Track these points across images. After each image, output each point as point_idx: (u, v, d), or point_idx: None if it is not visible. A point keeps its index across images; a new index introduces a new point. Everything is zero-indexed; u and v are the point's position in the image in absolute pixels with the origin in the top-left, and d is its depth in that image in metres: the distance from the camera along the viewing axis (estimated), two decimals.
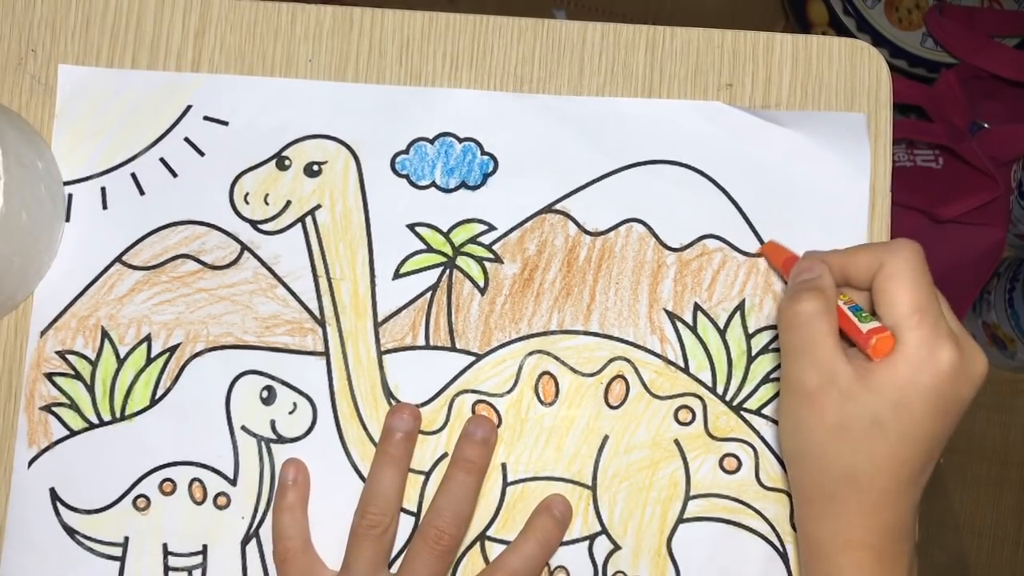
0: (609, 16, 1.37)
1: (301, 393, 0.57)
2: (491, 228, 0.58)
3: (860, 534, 0.46)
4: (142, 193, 0.59)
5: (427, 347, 0.58)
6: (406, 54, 0.60)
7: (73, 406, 0.57)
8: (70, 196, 0.59)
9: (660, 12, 1.38)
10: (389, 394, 0.57)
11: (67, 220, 0.58)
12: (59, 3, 0.60)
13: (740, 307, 0.58)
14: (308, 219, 0.58)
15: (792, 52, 0.60)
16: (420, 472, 0.57)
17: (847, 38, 0.60)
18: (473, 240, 0.58)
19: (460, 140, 0.59)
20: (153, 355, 0.58)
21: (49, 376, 0.57)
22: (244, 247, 0.58)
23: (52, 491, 0.57)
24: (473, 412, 0.57)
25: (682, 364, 0.58)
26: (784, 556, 0.57)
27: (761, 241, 0.58)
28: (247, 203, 0.59)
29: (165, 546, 0.57)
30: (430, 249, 0.58)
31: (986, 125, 1.19)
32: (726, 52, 0.60)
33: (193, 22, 0.60)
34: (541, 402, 0.57)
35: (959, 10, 1.23)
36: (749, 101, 0.60)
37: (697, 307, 0.58)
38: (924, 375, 0.43)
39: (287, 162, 0.59)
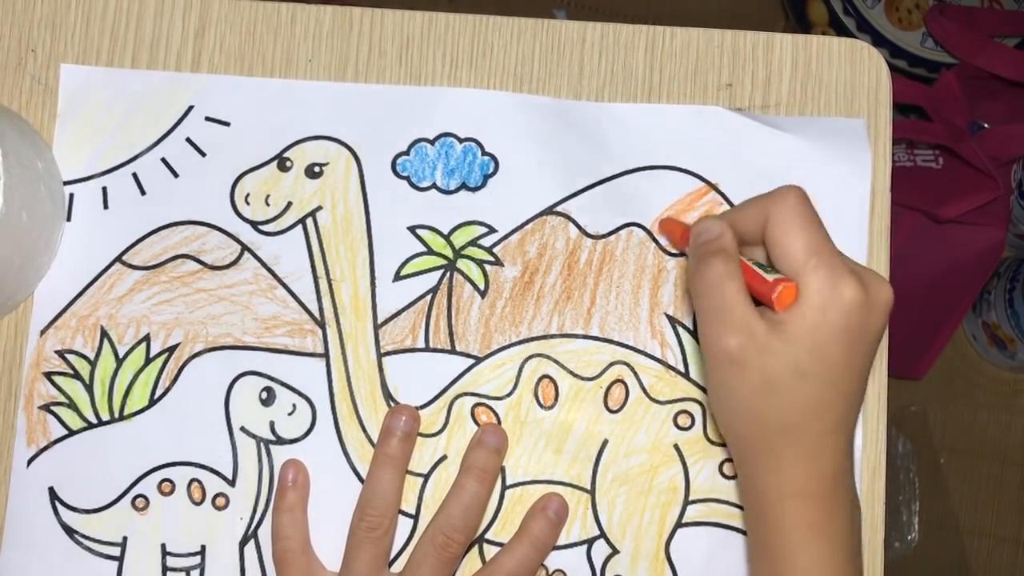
0: (609, 16, 1.37)
1: (300, 394, 0.57)
2: (492, 230, 0.58)
3: (800, 482, 0.46)
4: (143, 193, 0.59)
5: (427, 349, 0.58)
6: (406, 54, 0.60)
7: (72, 405, 0.57)
8: (71, 196, 0.58)
9: (660, 12, 1.38)
10: (389, 396, 0.57)
11: (68, 220, 0.58)
12: (59, 3, 0.60)
13: None
14: (309, 220, 0.58)
15: (792, 52, 0.60)
16: (419, 474, 0.57)
17: (847, 38, 0.60)
18: (473, 243, 0.58)
19: (461, 140, 0.59)
20: (152, 355, 0.58)
21: (48, 375, 0.57)
22: (244, 248, 0.58)
23: (51, 490, 0.57)
24: (473, 415, 0.57)
25: (682, 369, 0.58)
26: None
27: None
28: (248, 204, 0.59)
29: (163, 546, 0.57)
30: (430, 252, 0.58)
31: (986, 125, 1.19)
32: (726, 52, 0.60)
33: (193, 22, 0.60)
34: (541, 405, 0.57)
35: (959, 10, 1.22)
36: (749, 101, 0.60)
37: None
38: (831, 314, 0.44)
39: (288, 163, 0.59)
